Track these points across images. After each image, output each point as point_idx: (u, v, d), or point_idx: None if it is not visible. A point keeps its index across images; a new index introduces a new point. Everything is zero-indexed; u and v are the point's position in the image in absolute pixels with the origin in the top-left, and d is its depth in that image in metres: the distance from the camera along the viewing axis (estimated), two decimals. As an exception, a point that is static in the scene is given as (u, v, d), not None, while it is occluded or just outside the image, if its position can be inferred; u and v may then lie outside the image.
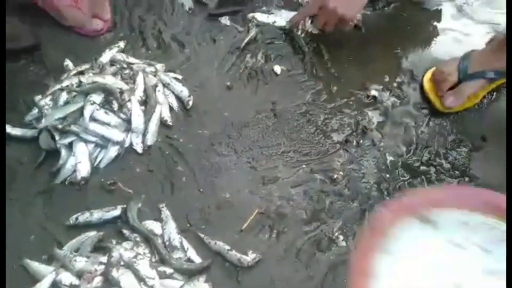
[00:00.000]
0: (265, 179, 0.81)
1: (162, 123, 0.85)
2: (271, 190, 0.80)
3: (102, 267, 0.66)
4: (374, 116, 0.89)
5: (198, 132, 0.86)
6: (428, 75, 0.94)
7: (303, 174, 0.82)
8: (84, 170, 0.77)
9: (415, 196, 0.62)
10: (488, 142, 0.87)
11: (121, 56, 0.91)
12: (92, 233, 0.71)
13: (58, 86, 0.84)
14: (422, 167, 0.84)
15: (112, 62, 0.90)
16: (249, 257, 0.70)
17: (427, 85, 0.93)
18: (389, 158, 0.84)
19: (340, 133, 0.87)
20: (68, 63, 0.90)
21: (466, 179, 0.83)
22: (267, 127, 0.88)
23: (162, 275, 0.67)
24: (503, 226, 0.56)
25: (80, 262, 0.66)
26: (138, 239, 0.71)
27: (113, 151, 0.81)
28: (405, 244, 0.58)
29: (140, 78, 0.86)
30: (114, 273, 0.64)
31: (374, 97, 0.91)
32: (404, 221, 0.58)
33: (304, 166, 0.84)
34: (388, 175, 0.82)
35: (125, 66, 0.88)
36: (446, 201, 0.59)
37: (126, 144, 0.82)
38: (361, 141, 0.86)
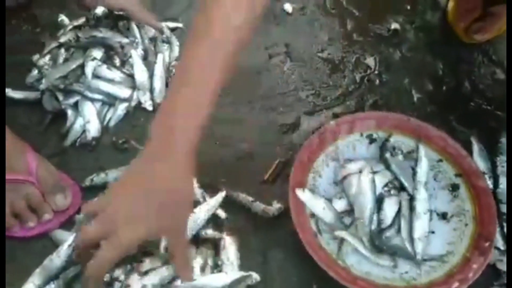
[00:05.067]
0: (284, 127, 0.77)
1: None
2: (291, 138, 0.76)
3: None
4: (396, 51, 0.83)
5: (209, 82, 0.81)
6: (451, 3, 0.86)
7: (325, 120, 0.77)
8: (94, 130, 0.73)
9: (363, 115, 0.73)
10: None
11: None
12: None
13: (55, 43, 0.79)
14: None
15: (107, 14, 0.83)
16: (274, 207, 0.68)
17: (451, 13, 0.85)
18: (416, 95, 0.79)
19: (361, 71, 0.81)
20: (62, 18, 0.84)
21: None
22: (282, 72, 0.83)
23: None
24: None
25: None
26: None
27: (121, 109, 0.76)
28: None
29: (135, 30, 0.81)
30: None
31: (396, 30, 0.84)
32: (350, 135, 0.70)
33: (324, 110, 0.79)
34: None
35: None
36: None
37: (134, 102, 0.77)
38: (383, 79, 0.80)
